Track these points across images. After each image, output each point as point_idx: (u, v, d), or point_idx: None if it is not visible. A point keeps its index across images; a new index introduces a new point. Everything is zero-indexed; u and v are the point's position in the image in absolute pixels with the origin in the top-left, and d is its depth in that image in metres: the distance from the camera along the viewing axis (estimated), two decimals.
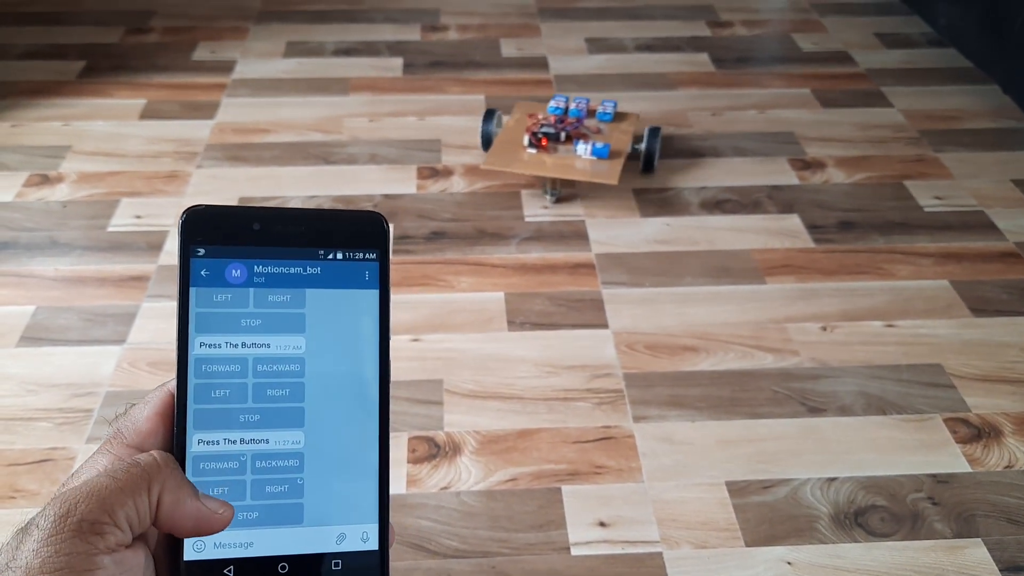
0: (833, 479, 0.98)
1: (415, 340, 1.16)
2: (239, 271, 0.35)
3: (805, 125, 1.66)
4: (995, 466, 1.00)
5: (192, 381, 0.34)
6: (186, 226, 0.34)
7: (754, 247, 1.34)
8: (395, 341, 1.16)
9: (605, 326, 1.19)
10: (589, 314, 1.21)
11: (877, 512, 0.95)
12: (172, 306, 1.21)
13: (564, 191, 1.45)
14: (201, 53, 1.90)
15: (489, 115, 1.53)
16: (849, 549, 0.91)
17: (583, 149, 1.41)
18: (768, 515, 0.94)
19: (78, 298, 1.22)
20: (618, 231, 1.37)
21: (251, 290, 0.35)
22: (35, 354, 1.13)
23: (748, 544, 0.91)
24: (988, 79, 1.79)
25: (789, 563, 0.89)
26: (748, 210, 1.42)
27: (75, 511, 0.30)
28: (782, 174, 1.52)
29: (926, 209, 1.43)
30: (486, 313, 1.21)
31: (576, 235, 1.36)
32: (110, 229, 1.36)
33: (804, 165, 1.54)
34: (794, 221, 1.40)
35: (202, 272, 0.34)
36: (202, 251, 0.34)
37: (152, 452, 0.33)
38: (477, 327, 1.19)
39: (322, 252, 0.35)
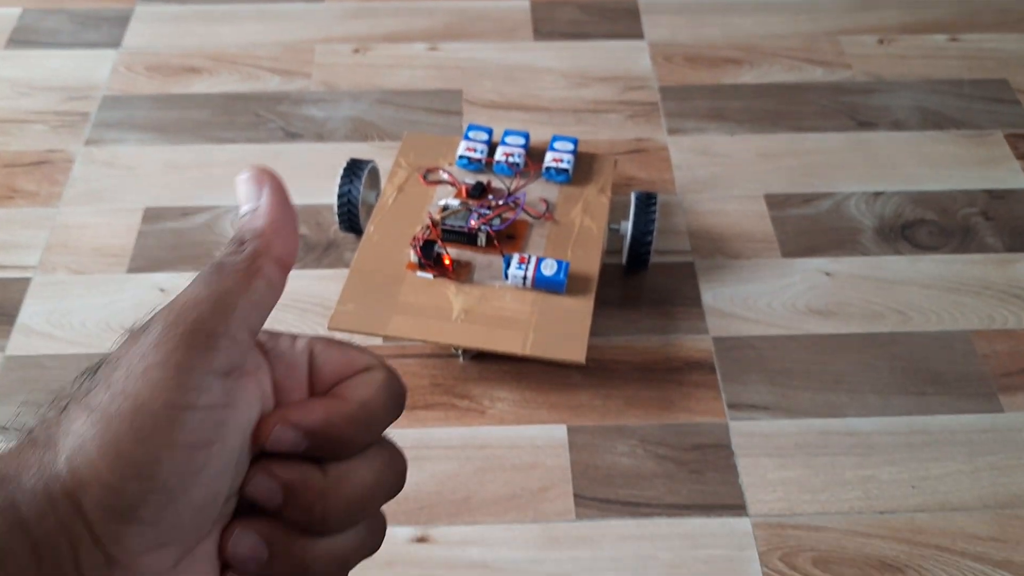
0: (880, 193, 0.92)
1: (432, 48, 1.07)
2: None
3: None
4: None
5: None
6: None
7: None
8: (411, 48, 1.07)
9: (641, 37, 1.09)
10: (624, 24, 1.11)
11: (925, 226, 0.89)
12: (169, 9, 1.11)
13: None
14: None
15: (354, 169, 0.81)
16: (892, 261, 0.86)
17: (517, 275, 0.72)
18: (808, 227, 0.89)
19: (67, 0, 1.12)
20: None
21: None
22: (25, 56, 1.05)
23: (785, 255, 0.86)
24: None
25: (827, 273, 0.85)
26: None
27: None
28: None
29: None
30: (510, 21, 1.11)
31: None
32: None
33: None
34: None
35: None
36: None
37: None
38: (500, 36, 1.09)
39: None
